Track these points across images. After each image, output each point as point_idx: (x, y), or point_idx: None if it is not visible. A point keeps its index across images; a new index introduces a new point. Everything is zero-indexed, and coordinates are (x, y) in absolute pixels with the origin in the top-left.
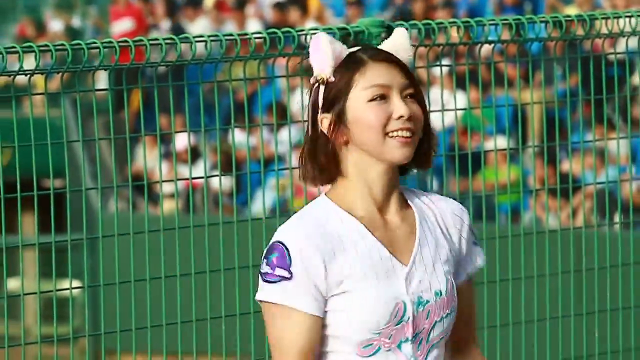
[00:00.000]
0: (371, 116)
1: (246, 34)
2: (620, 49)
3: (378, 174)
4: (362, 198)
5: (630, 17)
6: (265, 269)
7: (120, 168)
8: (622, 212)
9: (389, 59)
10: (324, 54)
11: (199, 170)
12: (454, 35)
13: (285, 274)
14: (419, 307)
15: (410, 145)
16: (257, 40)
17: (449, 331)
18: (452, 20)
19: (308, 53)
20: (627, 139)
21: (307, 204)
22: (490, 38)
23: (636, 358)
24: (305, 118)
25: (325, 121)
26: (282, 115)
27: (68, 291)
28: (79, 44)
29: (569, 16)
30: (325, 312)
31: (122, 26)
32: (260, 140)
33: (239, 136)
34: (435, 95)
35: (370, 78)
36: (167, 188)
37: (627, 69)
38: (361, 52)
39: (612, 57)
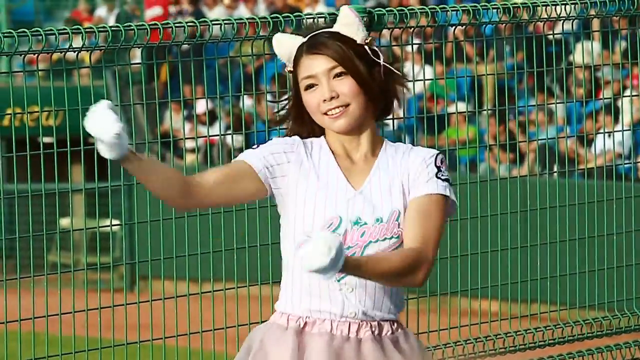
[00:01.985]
0: (308, 103)
1: (253, 18)
2: (557, 31)
3: (336, 138)
4: (336, 142)
5: (565, 4)
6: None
7: (151, 128)
8: (559, 163)
9: (316, 51)
10: (278, 54)
11: (215, 129)
12: (423, 19)
13: (255, 146)
14: (354, 225)
15: (343, 116)
16: (262, 22)
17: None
18: (421, 7)
19: (305, 33)
20: (564, 104)
21: None
22: (452, 22)
23: (570, 282)
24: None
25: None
26: (284, 85)
27: (109, 228)
28: (118, 27)
29: (515, 3)
30: (283, 199)
31: (153, 12)
32: (265, 105)
33: (248, 102)
34: (407, 69)
35: (302, 71)
36: (190, 144)
37: (563, 47)
38: (301, 46)
39: (551, 37)
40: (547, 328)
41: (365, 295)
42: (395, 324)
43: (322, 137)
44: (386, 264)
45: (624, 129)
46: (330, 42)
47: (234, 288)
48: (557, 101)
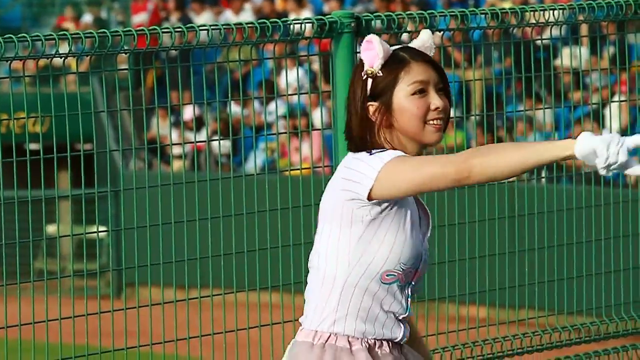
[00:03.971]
0: (414, 107)
1: (240, 24)
2: (546, 36)
3: (412, 151)
4: None
5: (554, 9)
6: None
7: (138, 134)
8: (547, 169)
9: (427, 59)
10: (376, 52)
11: (202, 135)
12: (411, 25)
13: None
14: (422, 262)
15: (441, 131)
16: (249, 28)
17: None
18: (409, 13)
19: (292, 40)
20: (552, 109)
21: (290, 164)
22: (440, 27)
23: (558, 287)
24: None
25: (371, 108)
26: (270, 91)
27: (96, 234)
28: (104, 32)
29: (504, 8)
30: (382, 223)
31: (140, 18)
32: (252, 111)
33: (235, 108)
34: None
35: (413, 75)
36: (177, 150)
37: (551, 53)
38: (404, 52)
39: (539, 43)
40: (535, 334)
41: (409, 318)
42: None
43: None
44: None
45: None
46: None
47: (221, 294)
48: (545, 106)
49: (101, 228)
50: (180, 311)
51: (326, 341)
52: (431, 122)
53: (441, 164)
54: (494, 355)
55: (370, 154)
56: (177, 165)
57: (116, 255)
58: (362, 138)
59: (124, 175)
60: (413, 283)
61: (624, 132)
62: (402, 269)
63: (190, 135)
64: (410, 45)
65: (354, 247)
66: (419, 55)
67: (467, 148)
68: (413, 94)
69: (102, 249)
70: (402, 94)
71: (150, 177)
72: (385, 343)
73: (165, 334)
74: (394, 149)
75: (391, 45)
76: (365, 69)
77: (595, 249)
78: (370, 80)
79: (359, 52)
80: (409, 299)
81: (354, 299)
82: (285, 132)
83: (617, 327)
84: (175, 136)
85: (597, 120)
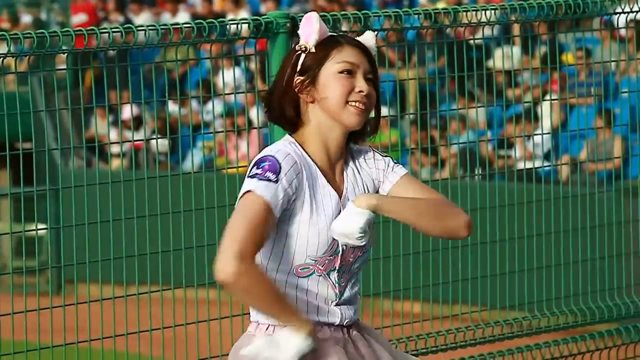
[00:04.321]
0: (338, 85)
1: (177, 24)
2: (479, 36)
3: (335, 136)
4: (320, 151)
5: (486, 9)
6: (256, 171)
7: (77, 133)
8: (480, 166)
9: (361, 46)
10: (313, 29)
11: (141, 134)
12: (345, 25)
13: (273, 178)
14: (340, 245)
15: (362, 116)
16: (186, 29)
17: (366, 263)
18: (343, 13)
19: (228, 40)
20: (485, 107)
21: (227, 162)
22: (374, 27)
23: (491, 283)
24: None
25: (298, 82)
26: (207, 90)
27: (35, 232)
28: (43, 33)
29: (437, 9)
30: (282, 230)
31: (79, 19)
32: (190, 110)
33: (173, 107)
34: None
35: (344, 55)
36: (115, 149)
37: (483, 52)
38: (340, 36)
39: (472, 42)
40: (469, 328)
41: (351, 301)
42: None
43: (300, 149)
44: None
45: (544, 132)
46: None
47: (159, 291)
48: (478, 105)
49: (41, 226)
50: (118, 308)
51: (265, 331)
52: (353, 103)
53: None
54: (428, 350)
55: (250, 173)
56: (115, 163)
57: (55, 252)
58: (282, 110)
59: (62, 174)
60: (337, 267)
61: (555, 130)
62: (315, 261)
63: (129, 134)
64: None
65: (268, 246)
66: (354, 42)
67: (402, 146)
68: (340, 72)
69: (42, 247)
70: (330, 71)
71: (89, 176)
72: (325, 327)
73: (103, 330)
74: (312, 127)
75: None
76: (300, 43)
77: (527, 246)
78: (302, 56)
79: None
80: (343, 283)
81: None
82: (223, 131)
83: (548, 321)
84: (114, 135)
85: (530, 118)
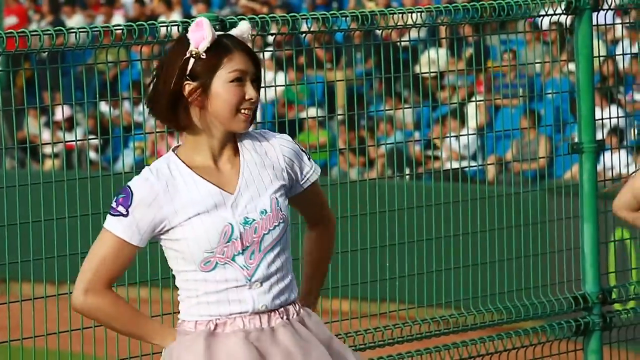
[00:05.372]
0: (230, 95)
1: (108, 26)
2: (406, 38)
3: (221, 135)
4: (202, 153)
5: (412, 12)
6: (113, 204)
7: (9, 134)
8: (407, 166)
9: (248, 50)
10: (203, 35)
11: (73, 135)
12: (274, 27)
13: (124, 211)
14: (245, 225)
15: (250, 121)
16: (117, 31)
17: (282, 236)
18: (272, 15)
19: (159, 42)
20: (412, 108)
21: None
22: (303, 29)
23: (418, 281)
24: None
25: (187, 87)
26: (139, 92)
27: None
28: None
29: (364, 11)
30: (172, 240)
31: (10, 21)
32: (121, 112)
33: (105, 108)
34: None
35: (234, 64)
36: (48, 150)
37: (410, 54)
38: (227, 39)
39: (400, 44)
40: (396, 326)
41: (270, 285)
42: (297, 305)
43: (172, 154)
44: (325, 262)
45: (470, 133)
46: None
47: None
48: (406, 106)
49: None
50: (50, 306)
51: (186, 328)
52: (243, 111)
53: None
54: (356, 347)
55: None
56: (49, 164)
57: None
58: (169, 111)
59: None
60: (240, 251)
61: (481, 130)
62: (212, 253)
63: (62, 135)
64: (230, 33)
65: (171, 255)
66: (240, 45)
67: (332, 146)
68: (231, 81)
69: None
70: (221, 81)
71: (21, 176)
72: (238, 318)
73: (35, 329)
74: (198, 129)
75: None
76: (190, 48)
77: (454, 244)
78: (192, 60)
79: None
80: (253, 264)
81: (190, 291)
82: (153, 132)
83: (474, 319)
84: (46, 136)
85: (455, 118)
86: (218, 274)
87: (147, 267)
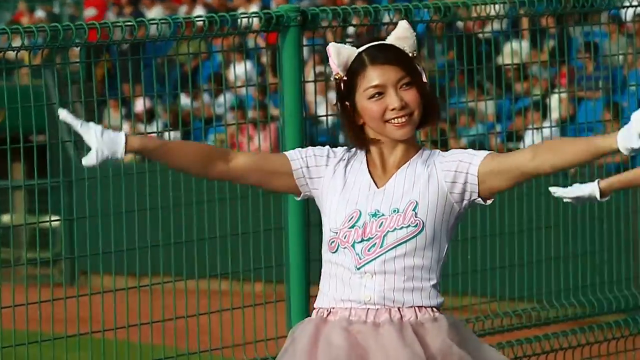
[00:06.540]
0: (372, 111)
1: (189, 18)
2: (488, 29)
3: (389, 143)
4: (374, 152)
5: (495, 3)
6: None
7: None
8: None
9: (385, 61)
10: (332, 60)
11: (153, 127)
12: (356, 18)
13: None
14: (372, 217)
15: (407, 125)
16: (199, 23)
17: (409, 240)
18: (354, 7)
19: (239, 33)
20: (494, 100)
21: None
22: (384, 21)
23: (500, 275)
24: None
25: (347, 107)
26: (219, 84)
27: (49, 223)
28: (56, 26)
29: (447, 3)
30: (321, 208)
31: (90, 13)
32: (202, 104)
33: (185, 100)
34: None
35: (368, 80)
36: None
37: (492, 46)
38: (365, 54)
39: (481, 36)
40: (478, 319)
41: (384, 281)
42: (425, 311)
43: (363, 155)
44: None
45: (552, 125)
46: (398, 53)
47: (171, 282)
48: (487, 98)
49: (54, 217)
50: (131, 298)
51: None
52: (392, 121)
53: None
54: None
55: None
56: (128, 157)
57: (69, 244)
58: (350, 132)
59: (76, 166)
60: (362, 239)
61: (564, 122)
62: (335, 233)
63: (142, 127)
64: (389, 37)
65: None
66: (377, 58)
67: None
68: (370, 98)
69: (56, 238)
70: (362, 98)
71: (102, 168)
72: (345, 311)
73: (117, 321)
74: (375, 140)
75: (361, 45)
76: (334, 74)
77: (536, 238)
78: (341, 84)
79: (306, 45)
80: (368, 257)
81: (324, 272)
82: (234, 124)
83: (557, 312)
84: (126, 128)
85: (539, 111)
86: (339, 257)
87: (228, 260)
